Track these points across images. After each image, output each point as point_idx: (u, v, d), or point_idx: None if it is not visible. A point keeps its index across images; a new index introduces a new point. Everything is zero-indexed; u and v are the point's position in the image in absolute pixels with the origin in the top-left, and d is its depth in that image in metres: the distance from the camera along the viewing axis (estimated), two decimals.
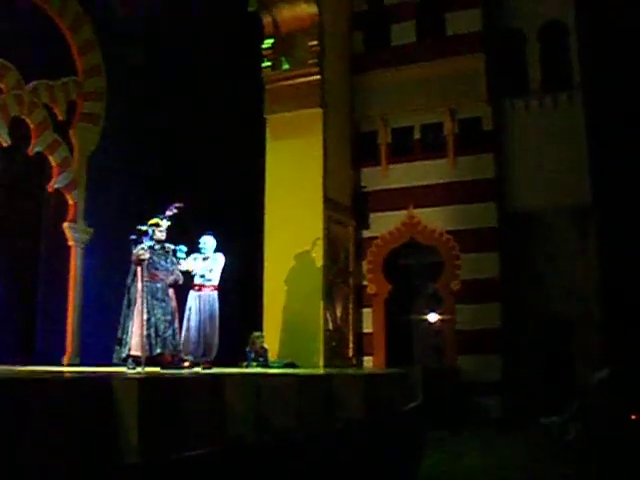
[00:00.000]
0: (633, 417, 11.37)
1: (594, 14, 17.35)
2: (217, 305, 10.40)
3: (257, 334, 13.88)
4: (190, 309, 10.26)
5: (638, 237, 16.14)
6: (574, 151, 17.18)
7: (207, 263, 10.43)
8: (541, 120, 17.75)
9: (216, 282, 10.48)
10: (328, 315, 16.19)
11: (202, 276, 10.34)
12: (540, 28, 18.08)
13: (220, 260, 10.57)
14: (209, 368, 10.00)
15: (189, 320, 10.21)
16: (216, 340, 10.34)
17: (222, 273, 10.56)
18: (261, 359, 13.36)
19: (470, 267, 17.11)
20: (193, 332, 10.16)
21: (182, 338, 9.94)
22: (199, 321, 10.20)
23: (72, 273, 15.08)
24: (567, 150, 17.24)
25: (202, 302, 10.28)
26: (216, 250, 10.64)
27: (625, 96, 16.63)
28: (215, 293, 10.44)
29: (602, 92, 17.08)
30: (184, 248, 10.04)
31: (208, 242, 10.59)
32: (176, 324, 9.62)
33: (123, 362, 9.14)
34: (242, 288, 16.88)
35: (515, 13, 18.29)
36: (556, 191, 17.19)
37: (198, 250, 10.52)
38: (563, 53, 17.86)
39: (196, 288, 10.37)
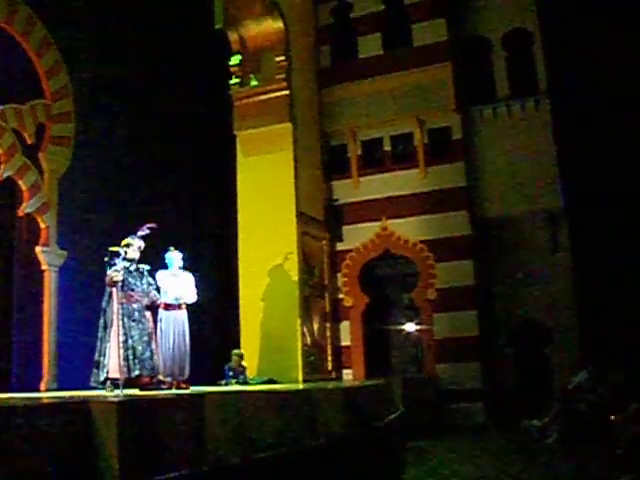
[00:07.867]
0: (612, 419, 11.41)
1: (557, 20, 17.51)
2: (187, 323, 10.33)
3: (236, 352, 13.84)
4: (162, 329, 10.10)
5: (610, 240, 16.27)
6: (544, 156, 17.30)
7: (178, 282, 10.36)
8: (510, 127, 17.86)
9: (190, 301, 10.43)
10: (306, 330, 16.16)
11: (164, 293, 10.19)
12: (504, 35, 18.21)
13: (190, 278, 10.51)
14: (187, 388, 9.94)
15: (163, 340, 10.06)
16: (189, 359, 10.28)
17: (198, 291, 10.51)
18: (240, 377, 13.32)
19: (445, 276, 17.16)
20: (168, 352, 10.07)
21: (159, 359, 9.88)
22: (172, 341, 10.10)
23: (46, 297, 14.90)
24: (537, 155, 17.36)
25: (173, 322, 10.19)
26: (188, 268, 10.58)
27: (591, 100, 16.79)
28: (184, 311, 10.35)
29: (569, 97, 17.24)
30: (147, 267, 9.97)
31: (174, 258, 10.50)
32: (153, 345, 9.57)
33: (101, 385, 9.08)
34: (218, 306, 16.84)
35: (479, 21, 18.43)
36: (527, 197, 17.32)
37: (165, 267, 10.44)
38: (528, 60, 18.00)
39: (165, 307, 10.21)
